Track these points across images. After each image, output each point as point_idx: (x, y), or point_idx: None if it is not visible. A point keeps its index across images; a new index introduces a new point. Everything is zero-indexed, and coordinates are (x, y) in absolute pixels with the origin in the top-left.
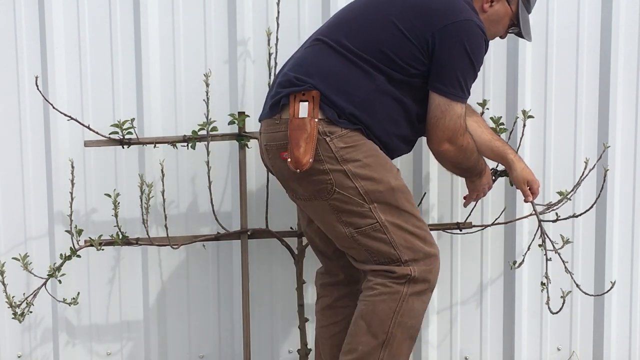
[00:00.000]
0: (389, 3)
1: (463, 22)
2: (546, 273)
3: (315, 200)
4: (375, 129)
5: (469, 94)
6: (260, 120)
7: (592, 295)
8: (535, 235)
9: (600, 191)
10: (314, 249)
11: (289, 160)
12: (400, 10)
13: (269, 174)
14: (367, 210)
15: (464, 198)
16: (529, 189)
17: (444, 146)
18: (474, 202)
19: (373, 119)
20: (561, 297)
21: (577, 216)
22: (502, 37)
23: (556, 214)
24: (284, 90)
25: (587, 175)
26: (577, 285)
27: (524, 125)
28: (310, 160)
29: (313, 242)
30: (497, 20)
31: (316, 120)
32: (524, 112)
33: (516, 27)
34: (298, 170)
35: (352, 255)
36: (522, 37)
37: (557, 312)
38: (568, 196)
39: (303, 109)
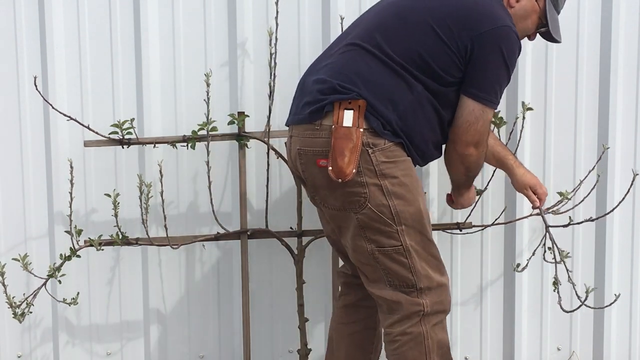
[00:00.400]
0: (426, 7)
1: (501, 28)
2: (555, 274)
3: (344, 211)
4: (416, 139)
5: (500, 100)
6: (289, 124)
7: (594, 307)
8: (541, 241)
9: (626, 194)
10: (340, 254)
11: (331, 168)
12: (438, 15)
13: (269, 173)
14: (394, 232)
15: (451, 200)
16: (535, 195)
17: (469, 150)
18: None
19: (414, 129)
20: (585, 292)
21: (593, 220)
22: (530, 38)
23: (569, 217)
24: (328, 97)
25: (586, 177)
26: (578, 297)
27: (524, 118)
28: (354, 170)
29: (339, 248)
30: (525, 16)
31: (361, 130)
32: (523, 104)
33: (545, 26)
34: (340, 180)
35: (365, 273)
36: (551, 39)
37: (572, 311)
38: (568, 197)
39: (347, 117)
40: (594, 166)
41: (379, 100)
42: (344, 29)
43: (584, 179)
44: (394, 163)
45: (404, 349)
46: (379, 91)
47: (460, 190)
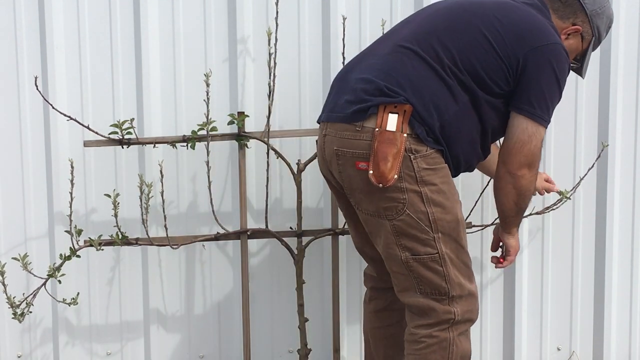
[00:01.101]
0: (480, 14)
1: (554, 45)
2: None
3: (377, 217)
4: (455, 149)
5: (551, 119)
6: (323, 121)
7: None
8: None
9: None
10: (365, 256)
11: (371, 172)
12: (491, 23)
13: (269, 173)
14: (430, 239)
15: (500, 260)
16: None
17: (522, 171)
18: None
19: (455, 138)
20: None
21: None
22: None
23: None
24: (373, 98)
25: (586, 174)
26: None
27: None
28: (396, 176)
29: (363, 251)
30: (568, 54)
31: (405, 135)
32: None
33: (578, 62)
34: (381, 185)
35: (395, 281)
36: (578, 73)
37: None
38: (568, 195)
39: (392, 121)
40: (594, 163)
41: (425, 107)
42: (345, 29)
43: (583, 177)
44: (433, 170)
45: (428, 351)
46: (426, 98)
47: (512, 229)
